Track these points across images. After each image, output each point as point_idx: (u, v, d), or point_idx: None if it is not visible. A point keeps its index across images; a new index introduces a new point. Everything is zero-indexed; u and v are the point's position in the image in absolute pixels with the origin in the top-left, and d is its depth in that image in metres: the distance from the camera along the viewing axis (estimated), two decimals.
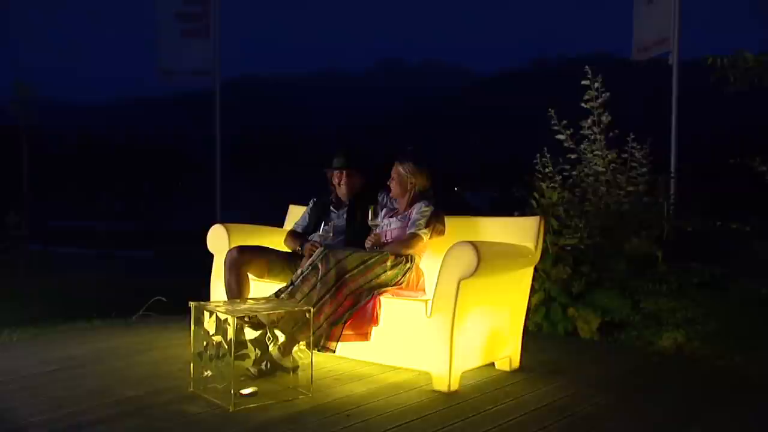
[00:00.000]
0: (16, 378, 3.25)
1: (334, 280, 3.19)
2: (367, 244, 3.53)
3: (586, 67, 5.03)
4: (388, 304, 3.25)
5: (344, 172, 3.89)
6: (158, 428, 2.62)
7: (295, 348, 3.18)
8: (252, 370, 3.14)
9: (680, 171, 5.36)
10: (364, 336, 3.23)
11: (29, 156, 7.91)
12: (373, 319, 3.23)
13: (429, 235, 3.47)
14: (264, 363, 3.16)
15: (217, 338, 2.92)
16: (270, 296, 3.31)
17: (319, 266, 3.22)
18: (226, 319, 2.86)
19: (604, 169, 4.89)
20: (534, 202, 4.88)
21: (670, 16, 5.68)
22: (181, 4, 6.94)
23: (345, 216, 3.88)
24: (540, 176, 4.96)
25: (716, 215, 4.31)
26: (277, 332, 3.16)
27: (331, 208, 3.95)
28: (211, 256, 4.02)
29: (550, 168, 4.96)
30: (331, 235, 3.81)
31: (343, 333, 3.19)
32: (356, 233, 3.74)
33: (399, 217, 3.60)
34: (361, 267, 3.24)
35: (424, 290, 3.48)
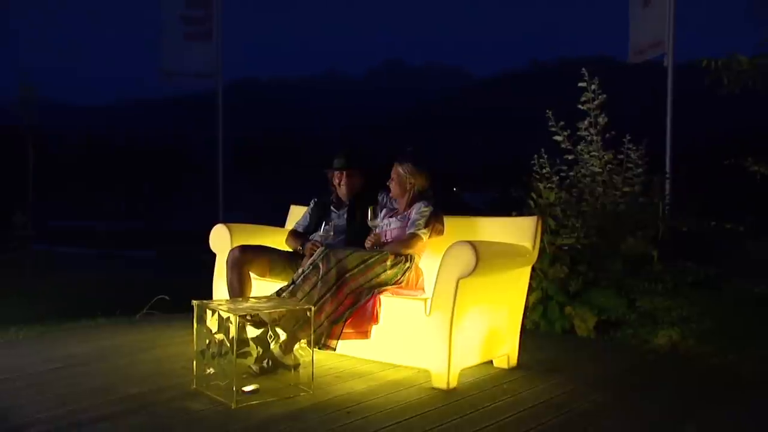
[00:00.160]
0: (22, 375, 3.25)
1: (334, 279, 3.19)
2: (367, 243, 3.53)
3: (583, 69, 5.04)
4: (387, 303, 3.25)
5: (344, 172, 3.90)
6: (161, 425, 2.62)
7: (297, 346, 3.19)
8: (254, 367, 3.14)
9: (675, 172, 5.37)
10: (365, 334, 3.23)
11: (35, 156, 7.90)
12: (373, 318, 3.23)
13: (428, 234, 3.47)
14: (266, 361, 3.16)
15: (220, 336, 2.92)
16: (271, 295, 3.31)
17: (320, 265, 3.22)
18: (229, 317, 2.86)
19: (600, 170, 4.89)
20: (532, 203, 4.89)
21: (665, 19, 5.68)
22: (185, 7, 6.94)
23: (345, 216, 3.88)
24: (537, 177, 4.96)
25: (711, 216, 4.31)
26: (279, 330, 3.16)
27: (332, 208, 3.95)
28: (213, 255, 4.03)
29: (548, 169, 4.96)
30: (332, 234, 3.81)
31: (344, 331, 3.20)
32: (356, 233, 3.74)
33: (398, 217, 3.60)
34: (362, 266, 3.25)
35: (423, 289, 3.48)
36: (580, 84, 5.00)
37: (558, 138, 5.04)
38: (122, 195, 37.47)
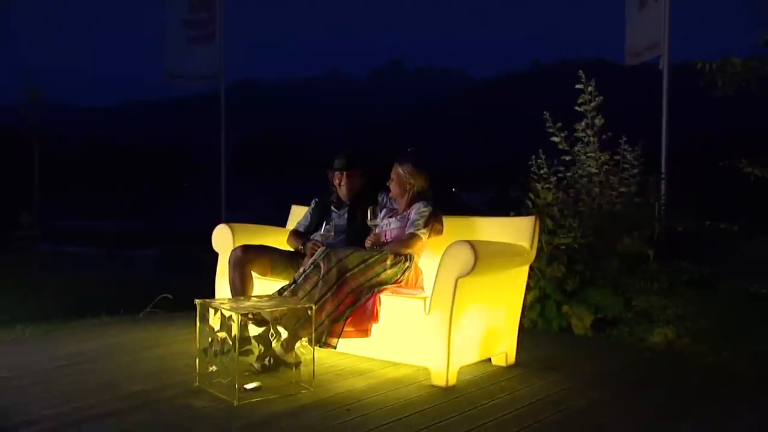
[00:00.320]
0: (29, 373, 3.25)
1: (335, 278, 3.19)
2: (368, 243, 3.53)
3: (580, 71, 5.04)
4: (387, 302, 3.25)
5: (345, 173, 3.90)
6: (165, 422, 2.62)
7: (298, 344, 3.19)
8: (256, 365, 3.14)
9: (671, 173, 5.36)
10: (365, 332, 3.23)
11: (40, 157, 7.90)
12: (374, 316, 3.23)
13: (427, 234, 3.47)
14: (267, 359, 3.16)
15: (222, 334, 2.92)
16: (273, 294, 3.31)
17: (321, 265, 3.22)
18: (231, 316, 2.86)
19: (597, 171, 4.88)
20: (529, 203, 4.88)
21: (661, 21, 5.67)
22: (188, 11, 6.93)
23: (346, 216, 3.88)
24: (535, 177, 4.96)
25: (705, 216, 4.31)
26: (280, 329, 3.17)
27: (333, 208, 3.95)
28: (215, 255, 4.03)
29: (545, 169, 4.96)
30: (333, 234, 3.81)
31: (344, 330, 3.19)
32: (357, 233, 3.74)
33: (398, 217, 3.60)
34: (362, 266, 3.25)
35: (422, 288, 3.48)
36: (577, 86, 5.00)
37: (555, 139, 5.04)
38: (125, 195, 37.44)
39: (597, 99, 4.96)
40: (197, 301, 3.05)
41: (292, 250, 3.84)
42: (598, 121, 4.93)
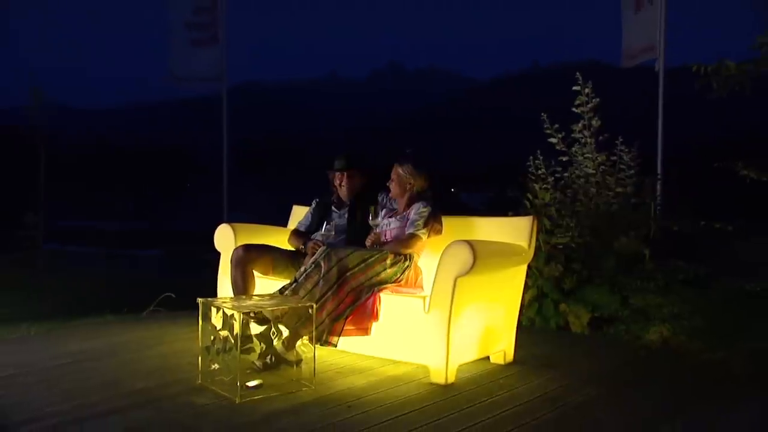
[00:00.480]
0: (33, 371, 3.25)
1: (336, 277, 3.19)
2: (368, 243, 3.53)
3: (577, 73, 5.04)
4: (387, 301, 3.25)
5: (345, 173, 3.90)
6: (168, 419, 2.62)
7: (299, 342, 3.18)
8: (257, 363, 3.14)
9: (666, 173, 5.36)
10: (365, 331, 3.23)
11: (46, 158, 7.90)
12: (374, 315, 3.23)
13: (427, 234, 3.47)
14: (269, 356, 3.16)
15: (224, 333, 2.92)
16: (274, 293, 3.31)
17: (322, 264, 3.22)
18: (233, 314, 2.86)
19: (594, 171, 4.88)
20: (527, 203, 4.88)
21: (656, 24, 5.67)
22: (191, 14, 6.93)
23: (346, 216, 3.88)
24: (533, 178, 4.95)
25: (700, 216, 4.31)
26: (282, 327, 3.16)
27: (333, 208, 3.95)
28: (217, 255, 4.02)
29: (543, 170, 4.96)
30: (333, 234, 3.81)
31: (345, 328, 3.19)
32: (357, 232, 3.74)
33: (398, 217, 3.60)
34: (362, 265, 3.24)
35: (422, 287, 3.48)
36: (574, 88, 5.00)
37: (553, 140, 5.04)
38: (128, 196, 37.41)
39: (594, 101, 4.96)
40: (200, 300, 3.05)
41: (293, 249, 3.84)
42: (595, 123, 4.93)
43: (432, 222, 3.49)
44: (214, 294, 3.92)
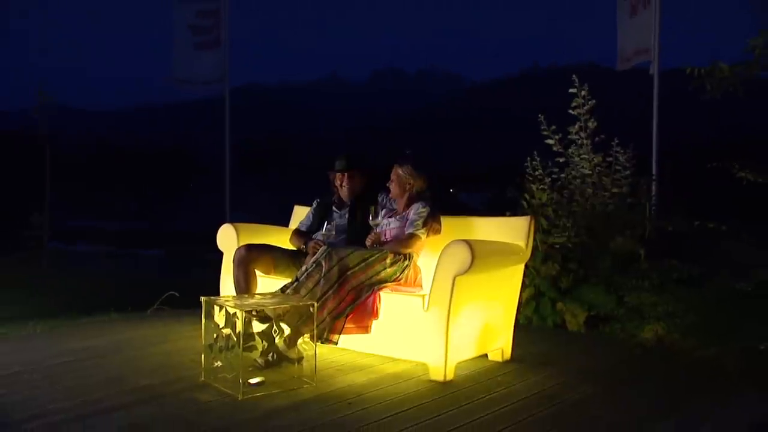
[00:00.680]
0: (39, 368, 3.25)
1: (336, 276, 3.19)
2: (368, 242, 3.54)
3: (574, 76, 5.04)
4: (387, 299, 3.25)
5: (346, 174, 3.90)
6: (171, 415, 2.62)
7: (300, 340, 3.19)
8: (259, 360, 3.15)
9: (661, 174, 5.37)
10: (365, 329, 3.23)
11: (52, 160, 7.90)
12: (374, 313, 3.23)
13: (426, 234, 3.48)
14: (270, 354, 3.16)
15: (227, 331, 2.92)
16: (276, 291, 3.31)
17: (323, 263, 3.22)
18: (235, 312, 2.86)
19: (590, 172, 4.89)
20: (525, 203, 4.89)
21: (651, 29, 5.68)
22: (194, 17, 6.92)
23: (347, 216, 3.89)
24: (530, 178, 4.96)
25: (695, 216, 4.32)
26: (283, 325, 3.17)
27: (334, 208, 3.95)
28: (219, 254, 4.03)
29: (540, 171, 4.97)
30: (334, 233, 3.82)
31: (345, 326, 3.20)
32: (357, 232, 3.74)
33: (398, 217, 3.61)
34: (362, 264, 3.25)
35: (421, 286, 3.48)
36: (571, 90, 5.01)
37: (550, 141, 5.04)
38: (131, 197, 37.37)
39: (590, 102, 4.97)
40: (203, 299, 3.05)
41: (294, 249, 3.84)
42: (591, 124, 4.93)
43: (431, 222, 3.50)
44: (216, 293, 3.92)
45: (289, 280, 3.36)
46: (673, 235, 4.51)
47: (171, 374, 3.15)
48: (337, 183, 3.94)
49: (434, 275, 3.10)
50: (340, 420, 2.55)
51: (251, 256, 3.61)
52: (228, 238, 3.93)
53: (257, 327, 3.21)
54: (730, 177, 3.86)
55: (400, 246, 3.40)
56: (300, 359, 3.17)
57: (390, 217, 3.66)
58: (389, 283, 3.32)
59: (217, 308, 2.98)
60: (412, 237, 3.42)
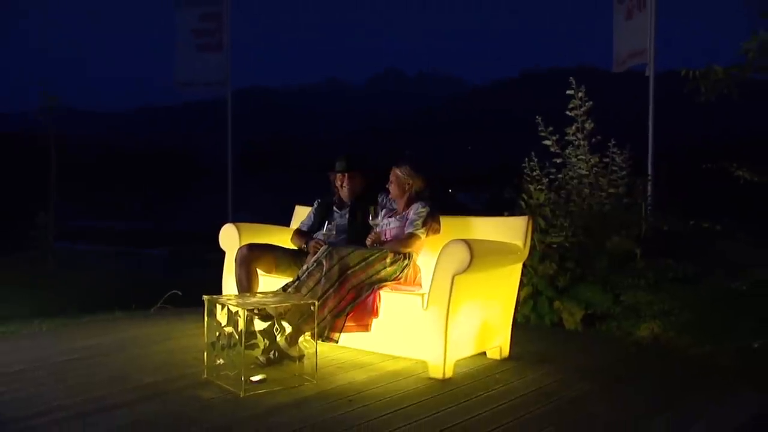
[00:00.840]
0: (44, 365, 3.26)
1: (337, 275, 3.19)
2: (368, 242, 3.54)
3: (570, 78, 5.05)
4: (387, 298, 3.25)
5: (346, 174, 3.90)
6: (174, 412, 2.62)
7: (301, 338, 3.19)
8: (261, 358, 3.15)
9: (657, 175, 5.37)
10: (365, 327, 3.23)
11: (57, 161, 7.89)
12: (374, 312, 3.23)
13: (425, 233, 3.48)
14: (272, 352, 3.16)
15: (229, 329, 2.92)
16: (277, 290, 3.31)
17: (324, 262, 3.22)
18: (237, 311, 2.86)
19: (587, 173, 4.89)
20: (523, 203, 4.89)
21: (646, 32, 5.68)
22: (197, 20, 6.93)
23: (347, 216, 3.88)
24: (528, 179, 4.96)
25: (690, 216, 4.32)
26: (285, 324, 3.17)
27: (335, 208, 3.95)
28: (221, 254, 4.03)
29: (538, 171, 4.97)
30: (334, 233, 3.81)
31: (346, 324, 3.20)
32: (357, 232, 3.74)
33: (397, 217, 3.61)
34: (363, 263, 3.25)
35: (420, 285, 3.48)
36: (568, 91, 5.01)
37: (547, 142, 5.04)
38: (135, 197, 37.34)
39: (587, 104, 4.97)
40: (205, 298, 3.05)
41: (295, 248, 3.84)
42: (588, 125, 4.93)
43: (430, 222, 3.50)
44: (219, 291, 3.92)
45: (290, 279, 3.35)
46: (668, 234, 4.51)
47: (174, 372, 3.15)
48: (338, 183, 3.94)
49: (433, 274, 3.10)
50: (340, 417, 2.55)
51: (253, 256, 3.60)
52: (230, 238, 3.93)
53: (259, 325, 3.21)
54: (724, 177, 3.86)
55: (400, 245, 3.40)
56: (301, 357, 3.17)
57: (390, 217, 3.66)
58: (389, 282, 3.32)
59: (219, 307, 2.98)
60: (412, 236, 3.42)
